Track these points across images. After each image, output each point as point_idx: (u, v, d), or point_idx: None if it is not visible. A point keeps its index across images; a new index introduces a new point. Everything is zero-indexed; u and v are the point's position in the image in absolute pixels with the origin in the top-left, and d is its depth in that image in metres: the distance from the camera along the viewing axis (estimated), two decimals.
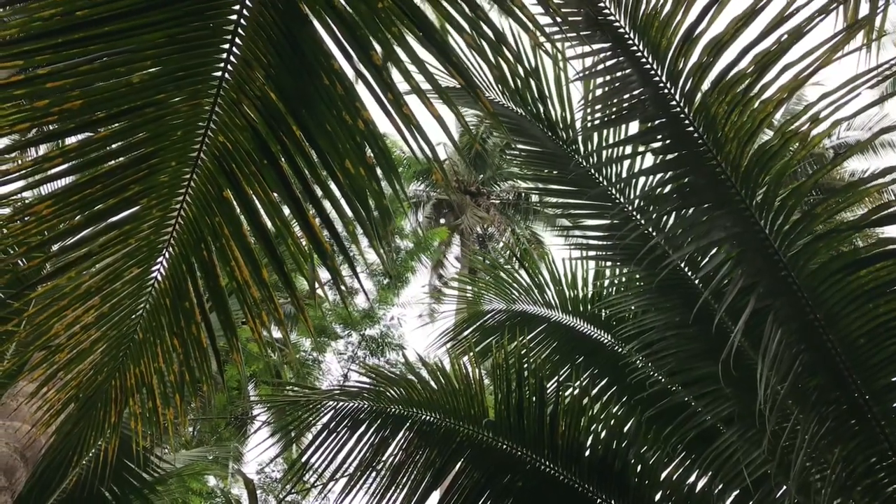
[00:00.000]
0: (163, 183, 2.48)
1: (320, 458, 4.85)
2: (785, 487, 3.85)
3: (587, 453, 4.44)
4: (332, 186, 2.37)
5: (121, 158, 2.41)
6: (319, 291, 12.20)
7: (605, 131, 4.23)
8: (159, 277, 2.73)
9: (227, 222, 2.56)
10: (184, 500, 8.04)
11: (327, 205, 2.50)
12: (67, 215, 2.44)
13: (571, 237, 5.02)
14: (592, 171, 4.46)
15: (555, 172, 4.77)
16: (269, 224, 2.57)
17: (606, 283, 5.39)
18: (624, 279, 5.14)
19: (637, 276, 4.70)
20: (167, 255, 2.67)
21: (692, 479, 4.31)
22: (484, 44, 2.07)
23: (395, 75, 2.15)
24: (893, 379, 3.18)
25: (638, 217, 4.26)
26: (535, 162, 4.87)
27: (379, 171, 2.30)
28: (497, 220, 21.25)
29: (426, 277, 20.51)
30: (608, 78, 3.33)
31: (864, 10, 3.19)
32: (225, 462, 10.61)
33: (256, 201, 2.50)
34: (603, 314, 5.32)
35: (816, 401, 3.21)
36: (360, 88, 2.21)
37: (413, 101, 2.19)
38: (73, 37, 2.07)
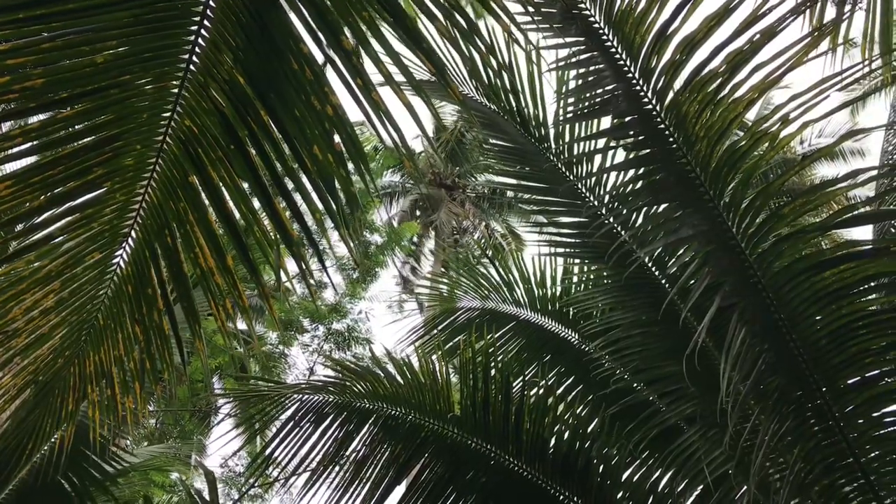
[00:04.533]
0: (127, 166, 2.43)
1: (284, 451, 4.81)
2: (745, 487, 3.89)
3: (551, 451, 4.44)
4: (300, 174, 2.35)
5: (84, 140, 2.36)
6: (287, 284, 12.14)
7: (577, 128, 4.24)
8: (122, 263, 2.68)
9: (193, 208, 2.52)
10: (145, 494, 7.93)
11: (296, 196, 2.47)
12: (27, 197, 2.38)
13: (544, 233, 5.04)
14: (563, 168, 4.47)
15: (527, 169, 4.78)
16: (235, 211, 2.53)
17: (575, 279, 5.42)
18: (592, 276, 5.17)
19: (605, 273, 4.72)
20: (130, 241, 2.62)
21: (654, 477, 4.34)
22: (457, 34, 2.05)
23: (367, 65, 2.13)
24: (853, 380, 3.22)
25: (606, 215, 4.28)
26: (509, 158, 4.88)
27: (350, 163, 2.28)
28: (472, 214, 21.27)
29: (398, 271, 20.47)
30: (581, 71, 3.33)
31: (829, 14, 3.24)
32: (187, 458, 10.50)
33: (223, 187, 2.46)
34: (570, 312, 5.35)
35: (778, 400, 3.24)
36: (330, 75, 2.19)
37: (385, 94, 2.17)
38: (36, 12, 2.02)
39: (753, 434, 3.46)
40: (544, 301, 5.57)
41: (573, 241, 4.78)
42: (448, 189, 21.71)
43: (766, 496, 3.73)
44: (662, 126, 3.15)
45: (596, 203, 4.31)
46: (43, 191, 2.40)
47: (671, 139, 3.15)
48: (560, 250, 5.06)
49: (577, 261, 5.38)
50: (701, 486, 4.18)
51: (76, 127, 2.33)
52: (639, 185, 3.59)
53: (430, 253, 21.71)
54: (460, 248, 19.80)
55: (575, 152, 4.40)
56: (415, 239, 20.79)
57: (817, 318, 3.16)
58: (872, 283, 3.15)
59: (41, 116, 2.31)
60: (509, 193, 18.68)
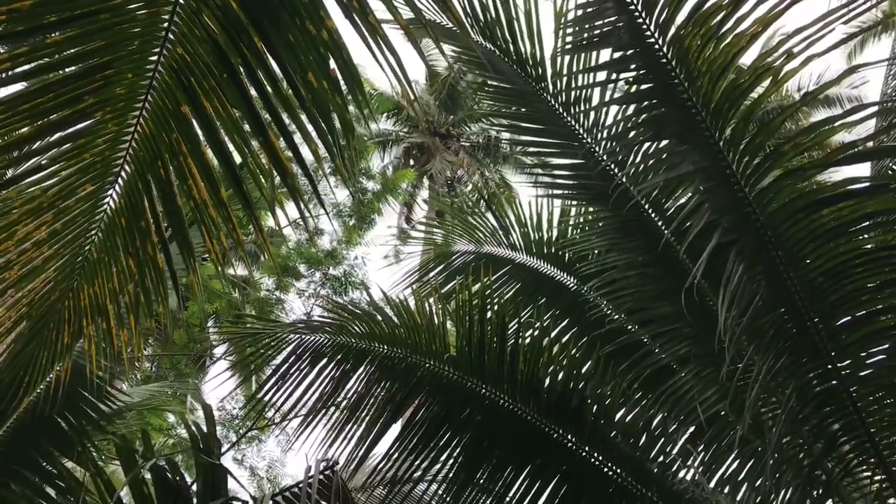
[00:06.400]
0: (119, 95, 2.38)
1: (281, 392, 4.84)
2: (738, 426, 3.93)
3: (546, 390, 4.47)
4: (295, 105, 2.30)
5: (74, 67, 2.31)
6: (283, 231, 12.10)
7: (575, 63, 4.17)
8: (114, 195, 2.64)
9: (185, 139, 2.47)
10: (143, 430, 8.01)
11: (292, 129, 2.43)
12: (17, 125, 2.34)
13: (539, 175, 5.00)
14: (560, 109, 4.41)
15: (523, 110, 4.72)
16: (228, 142, 2.49)
17: (571, 222, 5.40)
18: (589, 218, 5.15)
19: (601, 215, 4.70)
20: (123, 172, 2.58)
21: (647, 416, 4.38)
22: None
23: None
24: (848, 318, 3.23)
25: (603, 155, 4.24)
26: (504, 99, 4.81)
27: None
28: (466, 163, 21.17)
29: (394, 219, 20.46)
30: (582, 1, 3.26)
31: None
32: (184, 398, 10.56)
33: (216, 118, 2.42)
34: (566, 255, 5.35)
35: (773, 337, 3.25)
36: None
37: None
38: None
39: (747, 373, 3.48)
40: (540, 244, 5.57)
41: (570, 182, 4.75)
42: (442, 137, 21.56)
43: (758, 435, 3.78)
44: (664, 60, 3.10)
45: (592, 143, 4.27)
46: (33, 119, 2.35)
47: (673, 74, 3.10)
48: (557, 192, 5.04)
49: (573, 203, 5.36)
50: (694, 426, 4.23)
51: (66, 53, 2.27)
52: (643, 117, 3.54)
53: (423, 203, 21.66)
54: (455, 196, 19.74)
55: (572, 96, 4.33)
56: (409, 188, 20.73)
57: (814, 255, 3.16)
58: (869, 222, 3.14)
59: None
60: (505, 137, 18.56)
